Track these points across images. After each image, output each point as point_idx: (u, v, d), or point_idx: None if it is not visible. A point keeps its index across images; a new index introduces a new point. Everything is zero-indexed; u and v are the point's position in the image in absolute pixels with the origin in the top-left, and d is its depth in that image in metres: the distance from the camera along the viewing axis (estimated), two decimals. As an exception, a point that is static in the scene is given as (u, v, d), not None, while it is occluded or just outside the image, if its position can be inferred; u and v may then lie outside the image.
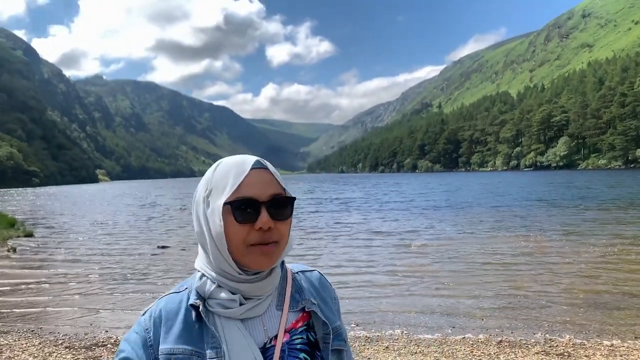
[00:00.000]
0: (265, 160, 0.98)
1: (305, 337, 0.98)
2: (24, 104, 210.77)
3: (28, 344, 5.42)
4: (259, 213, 0.91)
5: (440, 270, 9.33)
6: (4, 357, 4.97)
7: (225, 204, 0.91)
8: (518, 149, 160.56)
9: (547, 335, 5.48)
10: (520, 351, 4.88)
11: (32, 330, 6.08)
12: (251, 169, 0.94)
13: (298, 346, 0.97)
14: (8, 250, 13.03)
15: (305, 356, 0.96)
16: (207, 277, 0.96)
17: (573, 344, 5.12)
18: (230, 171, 0.94)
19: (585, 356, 4.71)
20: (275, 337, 0.95)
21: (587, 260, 9.72)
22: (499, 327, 5.83)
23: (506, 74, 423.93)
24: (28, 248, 13.99)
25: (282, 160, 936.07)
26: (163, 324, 0.95)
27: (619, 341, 5.17)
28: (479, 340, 5.26)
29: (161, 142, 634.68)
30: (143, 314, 1.00)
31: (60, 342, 5.54)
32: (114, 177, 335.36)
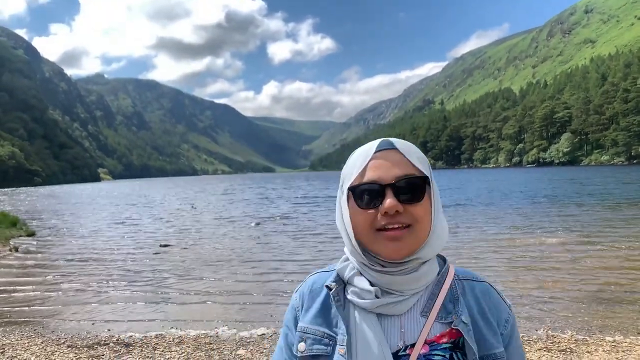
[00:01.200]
0: (398, 140, 0.93)
1: (448, 356, 0.87)
2: (26, 103, 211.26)
3: (30, 343, 5.43)
4: (383, 196, 0.86)
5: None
6: (6, 356, 4.98)
7: (349, 189, 0.90)
8: (520, 145, 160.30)
9: (549, 331, 5.45)
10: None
11: (35, 329, 6.10)
12: (376, 150, 0.91)
13: None
14: (10, 250, 13.06)
15: None
16: (350, 262, 0.93)
17: (575, 340, 5.10)
18: (359, 156, 0.92)
19: (588, 352, 4.69)
20: (413, 345, 0.86)
21: (591, 256, 9.70)
22: (501, 324, 5.80)
23: (508, 71, 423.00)
24: (30, 247, 14.02)
25: (284, 158, 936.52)
26: (306, 302, 0.96)
27: (622, 337, 5.15)
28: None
29: (163, 141, 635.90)
30: (295, 292, 1.01)
31: (62, 341, 5.55)
32: (116, 176, 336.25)
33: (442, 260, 0.94)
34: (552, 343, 5.00)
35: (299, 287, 1.00)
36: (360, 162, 0.90)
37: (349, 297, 0.91)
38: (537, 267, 8.95)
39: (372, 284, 0.89)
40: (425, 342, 0.87)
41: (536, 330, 5.53)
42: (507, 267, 9.08)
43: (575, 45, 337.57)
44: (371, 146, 0.93)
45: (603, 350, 4.70)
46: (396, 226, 0.85)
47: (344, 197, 0.92)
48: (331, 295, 0.92)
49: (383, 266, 0.88)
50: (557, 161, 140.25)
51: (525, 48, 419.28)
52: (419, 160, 0.90)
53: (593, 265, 8.88)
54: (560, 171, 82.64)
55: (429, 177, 0.90)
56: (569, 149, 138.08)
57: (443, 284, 0.90)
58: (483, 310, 0.90)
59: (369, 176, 0.88)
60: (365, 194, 0.87)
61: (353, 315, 0.89)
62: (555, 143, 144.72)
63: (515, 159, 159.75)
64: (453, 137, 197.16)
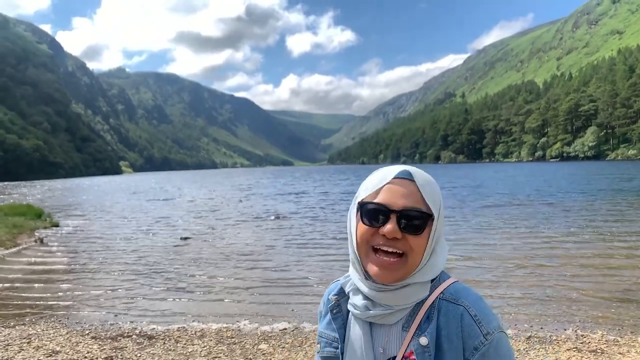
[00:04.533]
0: (417, 172, 0.98)
1: None
2: (49, 97, 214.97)
3: (56, 334, 5.50)
4: (387, 220, 0.92)
5: (467, 264, 9.17)
6: (32, 346, 5.04)
7: (359, 203, 0.97)
8: (544, 139, 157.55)
9: (578, 331, 5.30)
10: (550, 347, 4.73)
11: (60, 321, 6.17)
12: (395, 177, 0.96)
13: None
14: (35, 241, 13.29)
15: None
16: (350, 277, 1.02)
17: (606, 340, 4.95)
18: (377, 177, 0.98)
19: (620, 353, 4.54)
20: (394, 358, 0.93)
21: (620, 254, 9.45)
22: (528, 322, 5.67)
23: (532, 63, 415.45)
24: (54, 239, 14.27)
25: (303, 152, 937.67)
26: (323, 309, 1.07)
27: (655, 338, 4.97)
28: (508, 336, 5.11)
29: (183, 134, 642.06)
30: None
31: (86, 332, 5.60)
32: (137, 168, 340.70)
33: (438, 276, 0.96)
34: (582, 343, 4.86)
35: (324, 294, 1.10)
36: (376, 183, 0.97)
37: (348, 307, 1.00)
38: (564, 264, 8.74)
39: (365, 297, 0.97)
40: (404, 356, 0.93)
41: (564, 329, 5.38)
42: (533, 264, 8.89)
43: (601, 36, 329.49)
44: (391, 171, 0.98)
45: (636, 352, 4.54)
46: (390, 250, 0.92)
47: (354, 209, 1.00)
48: (332, 308, 1.02)
49: (374, 281, 0.95)
50: (581, 155, 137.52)
51: (550, 39, 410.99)
52: (431, 196, 0.95)
53: (622, 264, 8.65)
54: (589, 166, 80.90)
55: (435, 214, 0.94)
56: (594, 143, 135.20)
57: (425, 301, 0.94)
58: (450, 334, 0.91)
59: (380, 198, 0.94)
60: (372, 213, 0.94)
61: (350, 323, 0.99)
62: (580, 137, 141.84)
63: (538, 153, 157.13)
64: (474, 130, 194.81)
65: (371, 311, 0.94)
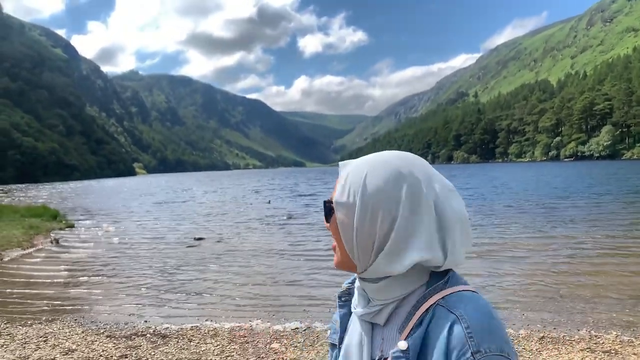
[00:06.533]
0: (345, 162, 0.95)
1: None
2: (64, 100, 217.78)
3: (72, 332, 5.59)
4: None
5: (479, 264, 9.12)
6: (49, 344, 5.13)
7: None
8: (558, 138, 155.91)
9: (592, 331, 5.26)
10: (563, 348, 4.70)
11: (75, 320, 6.27)
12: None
13: None
14: (51, 242, 13.49)
15: None
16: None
17: (620, 341, 4.91)
18: None
19: (634, 354, 4.50)
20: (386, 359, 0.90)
21: (634, 254, 9.34)
22: (541, 322, 5.64)
23: (546, 62, 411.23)
24: (70, 239, 14.46)
25: (315, 153, 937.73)
26: (338, 300, 1.04)
27: (671, 339, 4.92)
28: (520, 336, 5.10)
29: (196, 136, 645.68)
30: None
31: (101, 331, 5.68)
32: (150, 170, 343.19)
33: (438, 280, 0.87)
34: (595, 344, 4.82)
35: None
36: None
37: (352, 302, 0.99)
38: (577, 264, 8.66)
39: (358, 291, 0.95)
40: (383, 358, 0.89)
41: (578, 330, 5.34)
42: (546, 264, 8.82)
43: (617, 34, 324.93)
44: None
45: (651, 352, 4.49)
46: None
47: None
48: (337, 301, 1.02)
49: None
50: (596, 155, 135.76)
51: (564, 38, 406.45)
52: (341, 186, 0.90)
53: (638, 264, 8.55)
54: (605, 165, 79.85)
55: (336, 204, 0.89)
56: (609, 142, 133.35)
57: (422, 305, 0.87)
58: (436, 343, 0.82)
59: None
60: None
61: (353, 317, 0.96)
62: (594, 136, 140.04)
63: (552, 153, 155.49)
64: (487, 130, 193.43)
65: (357, 308, 0.93)
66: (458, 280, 0.88)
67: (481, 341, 0.78)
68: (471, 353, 0.77)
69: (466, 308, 0.81)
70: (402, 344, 0.83)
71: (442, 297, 0.84)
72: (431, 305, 0.84)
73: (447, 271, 0.87)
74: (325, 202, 0.93)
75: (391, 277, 0.87)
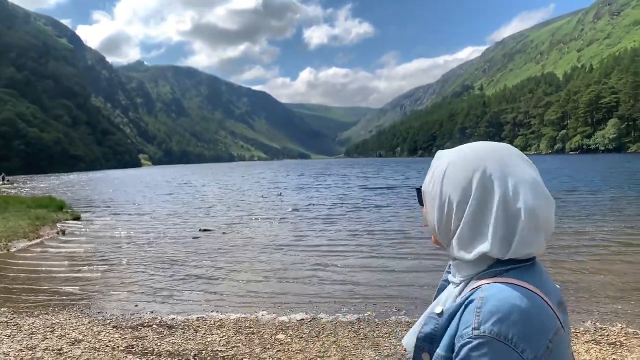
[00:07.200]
0: (441, 152, 1.04)
1: None
2: (70, 91, 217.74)
3: (78, 323, 5.62)
4: None
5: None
6: (56, 334, 5.16)
7: None
8: (563, 131, 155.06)
9: (597, 323, 5.26)
10: (569, 341, 4.67)
11: (82, 310, 6.30)
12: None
13: None
14: (57, 233, 13.55)
15: None
16: None
17: (625, 333, 4.91)
18: None
19: (639, 346, 4.48)
20: None
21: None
22: (546, 315, 5.61)
23: (552, 55, 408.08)
24: (76, 230, 14.52)
25: (320, 145, 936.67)
26: None
27: (678, 333, 4.89)
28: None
29: (201, 127, 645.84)
30: None
31: (108, 321, 5.71)
32: (155, 161, 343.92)
33: (499, 266, 0.92)
34: (600, 336, 4.82)
35: None
36: None
37: None
38: (582, 256, 8.62)
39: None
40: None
41: (583, 322, 5.33)
42: (551, 256, 8.78)
43: (624, 27, 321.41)
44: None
45: (658, 346, 4.48)
46: None
47: None
48: (446, 269, 1.11)
49: None
50: (602, 148, 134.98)
51: (570, 31, 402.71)
52: (429, 176, 1.02)
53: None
54: (614, 159, 79.31)
55: (428, 188, 1.01)
56: (615, 136, 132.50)
57: (470, 284, 0.94)
58: (459, 317, 0.89)
59: None
60: None
61: None
62: (600, 129, 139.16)
63: (558, 146, 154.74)
64: (493, 123, 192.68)
65: (450, 276, 1.04)
66: (520, 275, 0.91)
67: (484, 321, 0.82)
68: (472, 329, 0.83)
69: (493, 293, 0.85)
70: (438, 308, 0.95)
71: (488, 283, 0.89)
72: (478, 286, 0.90)
73: (512, 261, 0.91)
74: (417, 188, 1.06)
75: (464, 261, 0.96)
